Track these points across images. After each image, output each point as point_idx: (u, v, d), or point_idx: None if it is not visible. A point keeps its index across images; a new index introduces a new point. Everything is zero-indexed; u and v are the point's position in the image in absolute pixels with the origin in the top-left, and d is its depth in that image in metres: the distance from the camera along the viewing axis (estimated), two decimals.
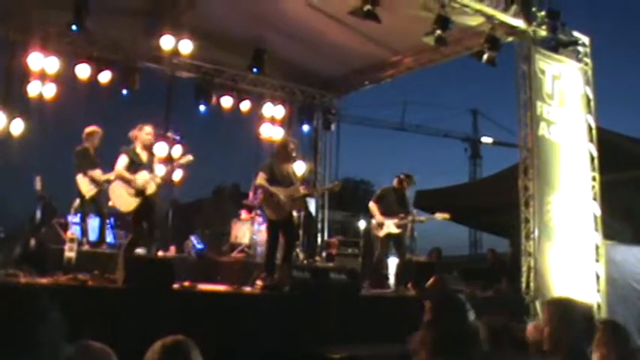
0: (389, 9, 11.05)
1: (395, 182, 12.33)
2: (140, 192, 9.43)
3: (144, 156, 9.63)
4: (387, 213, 11.99)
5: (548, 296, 10.07)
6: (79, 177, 10.52)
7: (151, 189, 9.55)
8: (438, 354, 3.50)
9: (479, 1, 11.57)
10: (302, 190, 10.77)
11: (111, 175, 9.63)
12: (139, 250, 9.95)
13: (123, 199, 9.47)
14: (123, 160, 9.48)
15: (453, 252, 25.15)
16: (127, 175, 9.41)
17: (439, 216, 12.32)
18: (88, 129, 10.43)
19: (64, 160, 11.61)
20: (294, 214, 11.00)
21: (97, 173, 11.06)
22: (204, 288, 9.32)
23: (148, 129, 9.70)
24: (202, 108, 14.87)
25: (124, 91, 13.53)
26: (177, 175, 14.36)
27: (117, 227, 12.42)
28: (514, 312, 10.92)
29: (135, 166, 9.50)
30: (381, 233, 12.02)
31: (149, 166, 9.63)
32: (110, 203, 9.82)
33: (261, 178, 10.21)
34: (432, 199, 18.06)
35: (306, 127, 16.57)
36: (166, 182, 9.96)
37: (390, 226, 11.91)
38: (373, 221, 12.26)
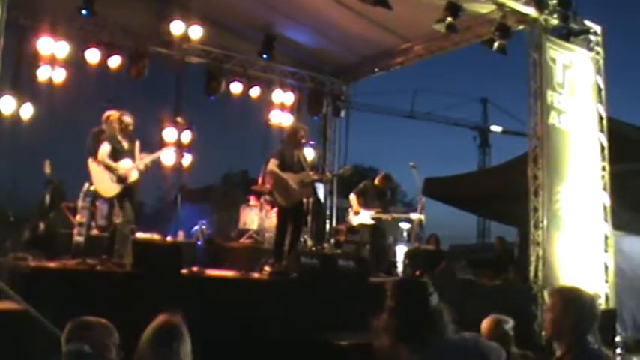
0: None
1: (377, 180, 12.94)
2: (122, 180, 9.43)
3: (125, 144, 9.63)
4: (365, 206, 12.50)
5: (557, 286, 10.06)
6: (90, 160, 10.51)
7: (132, 177, 9.56)
8: (400, 338, 3.55)
9: None
10: (312, 175, 10.78)
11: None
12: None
13: (105, 185, 9.45)
14: (105, 148, 9.46)
15: (460, 240, 25.05)
16: (111, 163, 9.41)
17: (414, 216, 12.96)
18: (108, 113, 10.39)
19: (73, 144, 11.62)
20: (303, 200, 11.01)
21: None
22: (212, 273, 9.36)
23: (127, 119, 9.67)
24: (212, 97, 14.89)
25: (134, 77, 13.54)
26: (187, 161, 14.42)
27: None
28: (522, 301, 10.94)
29: (117, 153, 9.48)
30: (355, 222, 12.60)
31: (131, 154, 9.64)
32: (92, 187, 9.80)
33: (272, 165, 10.22)
34: (441, 187, 18.03)
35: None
36: (148, 171, 9.92)
37: (365, 217, 12.39)
38: (350, 210, 12.83)
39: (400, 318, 3.60)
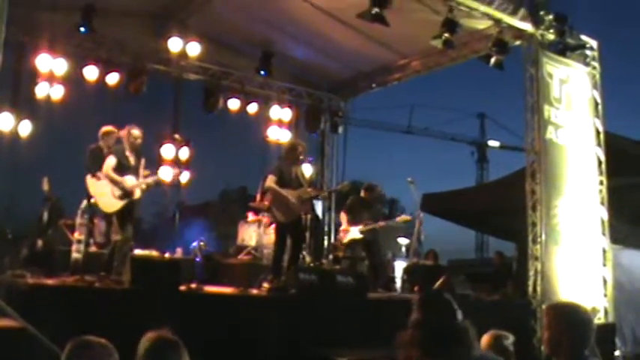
0: (397, 12, 11.02)
1: (362, 192, 12.82)
2: (126, 195, 9.42)
3: (132, 159, 9.61)
4: (355, 221, 12.37)
5: (555, 300, 10.05)
6: (88, 177, 10.50)
7: (136, 194, 9.56)
8: (427, 353, 3.52)
9: (487, 5, 11.54)
10: (311, 191, 10.78)
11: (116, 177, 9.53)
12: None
13: (106, 200, 9.42)
14: (111, 161, 9.45)
15: (459, 255, 25.03)
16: (116, 176, 9.39)
17: (400, 219, 13.06)
18: (104, 129, 10.40)
19: (71, 161, 11.64)
20: (302, 216, 11.00)
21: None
22: (210, 290, 9.33)
23: (136, 132, 9.64)
24: (210, 114, 14.90)
25: (132, 93, 13.55)
26: (185, 177, 14.40)
27: None
28: (521, 316, 10.92)
29: (122, 168, 9.47)
30: (345, 240, 12.45)
31: (136, 170, 9.63)
32: (92, 200, 9.78)
33: (270, 181, 10.21)
34: (439, 203, 18.04)
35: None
36: (149, 190, 9.92)
37: (354, 233, 12.27)
38: (340, 229, 12.87)
39: (428, 331, 3.59)
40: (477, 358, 3.65)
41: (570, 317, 3.88)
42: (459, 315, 3.67)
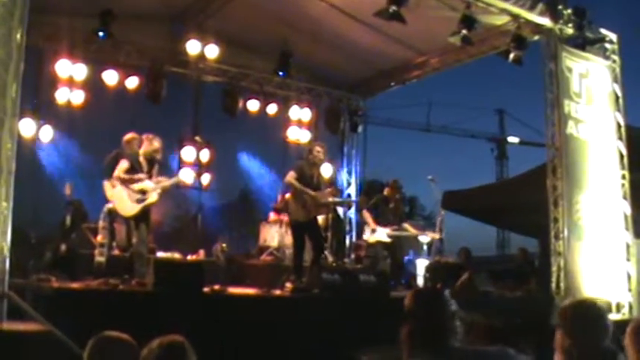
0: (414, 10, 11.01)
1: (386, 191, 12.59)
2: (140, 199, 9.51)
3: (145, 166, 9.73)
4: (378, 220, 12.16)
5: (579, 296, 10.01)
6: (105, 182, 10.58)
7: (151, 198, 9.62)
8: (416, 347, 3.49)
9: (504, 0, 11.49)
10: (330, 198, 10.73)
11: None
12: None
13: (124, 204, 9.54)
14: (123, 165, 9.57)
15: (480, 252, 24.98)
16: (126, 175, 9.51)
17: (428, 236, 12.83)
18: (128, 136, 10.46)
19: (93, 166, 11.73)
20: (322, 216, 10.99)
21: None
22: (233, 291, 9.36)
23: (156, 144, 9.80)
24: (230, 116, 14.92)
25: (151, 97, 13.60)
26: (205, 180, 14.47)
27: None
28: (544, 312, 10.87)
29: (134, 172, 9.59)
30: (372, 239, 12.19)
31: (149, 176, 9.71)
32: (110, 205, 9.86)
33: (290, 177, 10.20)
34: (459, 200, 17.98)
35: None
36: (165, 193, 9.98)
37: (382, 235, 12.04)
38: (366, 228, 12.45)
39: (415, 326, 3.56)
40: (472, 351, 3.57)
41: (586, 315, 3.82)
42: (452, 307, 3.60)
